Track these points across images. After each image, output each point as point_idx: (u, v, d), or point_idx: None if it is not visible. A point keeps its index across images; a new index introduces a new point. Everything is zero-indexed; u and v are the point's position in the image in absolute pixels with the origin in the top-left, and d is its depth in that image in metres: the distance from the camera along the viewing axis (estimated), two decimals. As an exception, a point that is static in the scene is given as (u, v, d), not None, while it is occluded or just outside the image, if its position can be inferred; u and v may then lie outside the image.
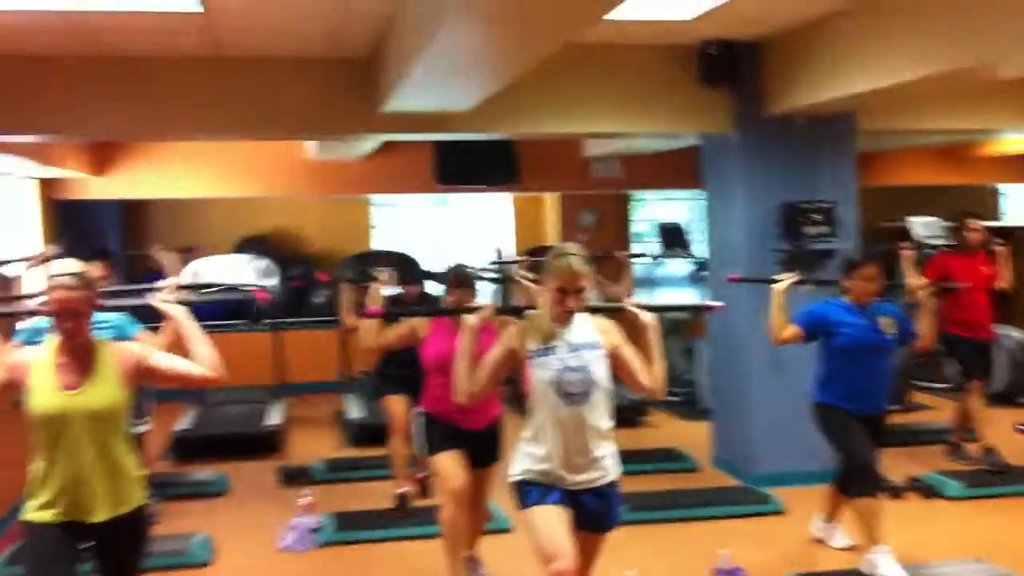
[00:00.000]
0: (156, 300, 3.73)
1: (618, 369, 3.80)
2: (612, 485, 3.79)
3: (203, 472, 7.59)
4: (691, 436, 8.51)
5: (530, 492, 3.70)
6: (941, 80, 5.38)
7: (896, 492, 6.67)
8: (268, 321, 10.63)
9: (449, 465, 4.85)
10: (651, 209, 13.80)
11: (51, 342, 3.46)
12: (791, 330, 5.41)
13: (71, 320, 3.34)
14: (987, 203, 13.34)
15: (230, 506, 6.99)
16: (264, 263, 10.92)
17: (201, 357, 3.54)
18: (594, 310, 3.90)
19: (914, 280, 6.15)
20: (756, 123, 7.07)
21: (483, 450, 4.97)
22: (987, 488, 6.81)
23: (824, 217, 7.01)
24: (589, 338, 3.71)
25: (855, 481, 5.27)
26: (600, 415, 3.72)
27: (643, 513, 6.23)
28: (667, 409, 9.72)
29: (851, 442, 5.29)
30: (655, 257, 11.45)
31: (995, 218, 13.10)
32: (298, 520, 6.09)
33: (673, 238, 12.22)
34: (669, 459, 7.80)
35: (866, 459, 5.25)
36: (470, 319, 3.95)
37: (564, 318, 3.68)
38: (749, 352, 7.16)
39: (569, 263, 3.63)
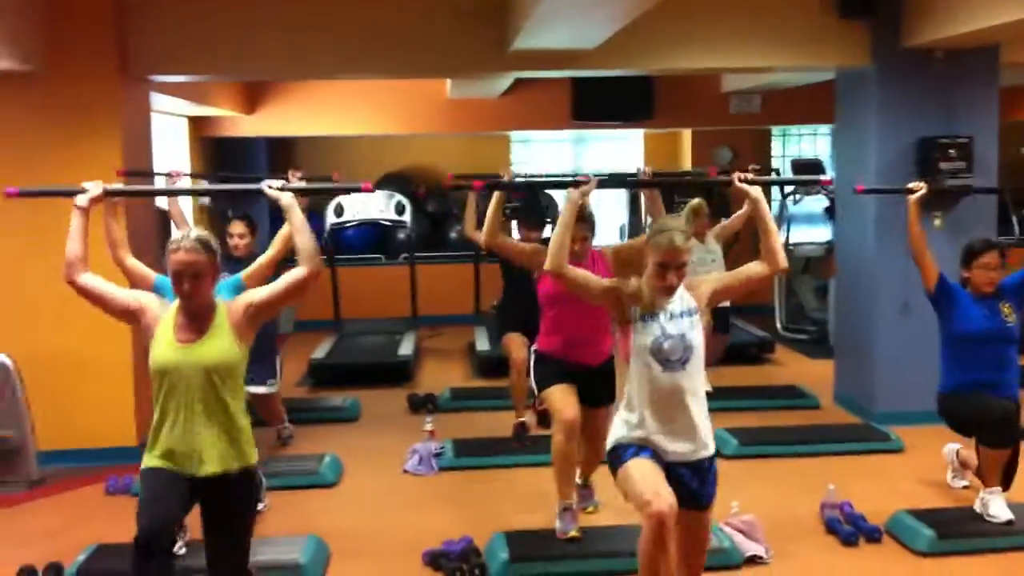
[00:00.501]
0: (266, 187, 3.76)
1: (733, 292, 3.85)
2: (711, 460, 3.75)
3: (337, 398, 7.96)
4: (816, 374, 8.45)
5: (625, 450, 3.68)
6: None
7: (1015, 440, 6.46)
8: (405, 255, 10.96)
9: (560, 397, 4.95)
10: (790, 145, 13.51)
11: (175, 303, 3.54)
12: (931, 258, 5.16)
13: (189, 282, 3.43)
14: None
15: (360, 431, 7.34)
16: (400, 199, 11.22)
17: (301, 249, 3.56)
18: (704, 184, 3.83)
19: None
20: (894, 56, 6.91)
21: (597, 387, 5.02)
22: None
23: (960, 152, 6.84)
24: (685, 304, 3.71)
25: (989, 432, 5.10)
26: (697, 382, 3.71)
27: (760, 447, 6.27)
28: (794, 347, 9.64)
29: (984, 404, 5.08)
30: (787, 194, 11.24)
31: None
32: (421, 445, 6.37)
33: (808, 173, 11.93)
34: (791, 396, 7.79)
35: (1005, 411, 5.04)
36: (574, 193, 3.99)
37: (665, 292, 3.67)
38: (877, 292, 7.10)
39: (671, 239, 3.61)
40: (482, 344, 9.26)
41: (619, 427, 3.76)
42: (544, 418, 6.75)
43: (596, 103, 10.57)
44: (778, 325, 10.51)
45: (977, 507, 5.14)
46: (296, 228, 3.62)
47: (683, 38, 6.85)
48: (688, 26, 6.79)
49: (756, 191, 3.91)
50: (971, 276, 5.12)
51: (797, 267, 10.33)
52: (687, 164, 12.65)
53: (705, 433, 3.71)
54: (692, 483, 3.67)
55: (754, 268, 3.83)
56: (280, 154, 12.42)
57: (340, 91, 10.34)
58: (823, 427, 6.95)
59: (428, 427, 6.49)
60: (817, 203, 10.89)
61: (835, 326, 8.30)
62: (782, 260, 3.81)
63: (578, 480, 5.22)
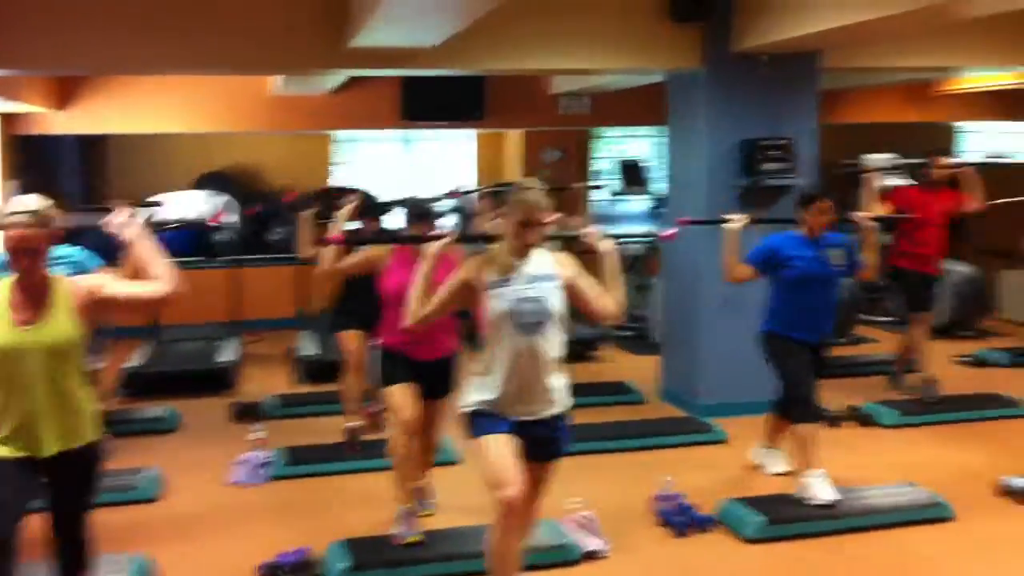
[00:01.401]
0: (112, 222, 3.62)
1: (576, 300, 3.88)
2: (561, 417, 3.90)
3: (155, 408, 7.58)
4: (641, 370, 8.60)
5: (481, 422, 3.80)
6: (908, 17, 5.36)
7: (834, 421, 6.91)
8: (225, 258, 10.58)
9: (401, 397, 4.91)
10: (614, 146, 13.78)
11: (6, 279, 3.41)
12: (744, 269, 5.53)
13: (27, 258, 3.31)
14: (944, 140, 13.44)
15: (181, 442, 7.01)
16: (223, 199, 10.84)
17: (159, 276, 3.47)
18: (553, 239, 3.98)
19: (865, 212, 6.30)
20: (723, 60, 7.07)
21: (436, 382, 5.03)
22: (920, 416, 7.04)
23: (782, 154, 7.07)
24: (546, 270, 3.78)
25: (795, 409, 5.45)
26: (552, 346, 3.80)
27: (589, 443, 6.31)
28: (618, 344, 9.80)
29: (794, 371, 5.44)
30: (614, 193, 11.47)
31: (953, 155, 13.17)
32: (248, 455, 6.13)
33: (633, 175, 12.23)
34: (618, 392, 7.90)
35: (807, 389, 5.42)
36: (431, 246, 3.99)
37: (523, 251, 3.76)
38: (701, 287, 7.26)
39: (529, 197, 3.72)
40: (307, 349, 9.03)
41: (475, 391, 3.85)
42: (378, 422, 6.62)
43: (427, 102, 10.42)
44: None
45: (799, 492, 5.31)
46: (152, 260, 3.50)
47: (519, 39, 6.80)
48: (523, 27, 6.74)
49: (607, 245, 3.95)
50: (806, 218, 5.44)
51: (622, 265, 10.51)
52: (516, 165, 12.70)
53: (560, 395, 3.86)
54: (545, 437, 3.85)
55: (598, 302, 3.88)
56: (95, 154, 11.81)
57: (158, 87, 9.83)
58: (650, 421, 7.07)
59: (257, 435, 6.23)
60: (641, 203, 11.14)
61: (661, 323, 8.46)
62: (614, 313, 3.89)
63: (413, 483, 5.15)
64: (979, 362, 8.78)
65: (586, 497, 5.15)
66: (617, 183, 12.38)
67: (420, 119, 10.59)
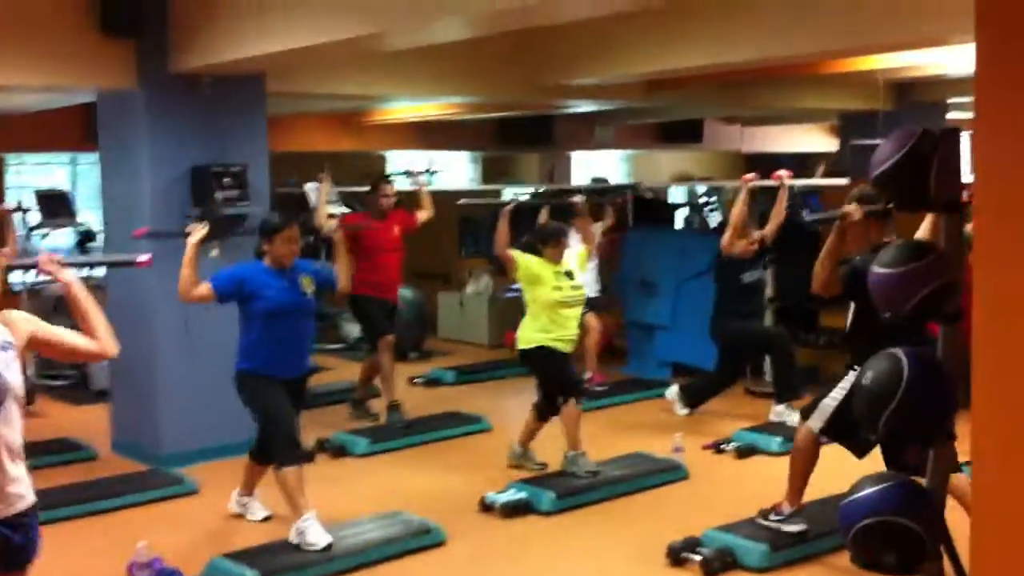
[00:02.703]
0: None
1: (50, 350, 3.29)
2: (33, 509, 3.15)
3: None
4: (86, 423, 7.78)
5: None
6: (339, 46, 5.48)
7: (308, 456, 6.65)
8: None
9: None
10: (25, 175, 12.47)
11: None
12: (204, 288, 5.13)
13: None
14: (376, 167, 14.03)
15: None
16: None
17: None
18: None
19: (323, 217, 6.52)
20: (162, 80, 6.57)
21: None
22: (392, 442, 7.10)
23: (236, 181, 6.74)
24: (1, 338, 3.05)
25: (280, 451, 5.15)
26: (14, 428, 3.08)
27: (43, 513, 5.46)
28: (52, 395, 8.80)
29: (275, 411, 5.18)
30: (34, 227, 10.28)
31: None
32: None
33: (55, 206, 11.07)
34: (63, 449, 7.00)
35: (290, 429, 5.18)
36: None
37: None
38: (156, 321, 6.69)
39: None
40: None
41: None
42: None
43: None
44: (29, 371, 9.49)
45: (293, 538, 5.04)
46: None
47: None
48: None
49: (69, 274, 3.33)
50: (271, 248, 5.19)
51: (47, 307, 9.44)
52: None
53: (25, 485, 3.14)
54: (17, 540, 3.08)
55: (77, 342, 3.27)
56: None
57: None
58: (109, 480, 6.33)
59: None
60: (66, 236, 10.13)
61: (106, 367, 7.68)
62: (110, 346, 3.31)
63: None
64: (432, 382, 9.14)
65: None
66: (35, 215, 11.15)
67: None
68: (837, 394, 4.71)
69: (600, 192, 9.06)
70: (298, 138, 11.66)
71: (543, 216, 7.96)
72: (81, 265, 3.95)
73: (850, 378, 4.65)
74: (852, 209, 4.36)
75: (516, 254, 6.17)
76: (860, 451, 4.75)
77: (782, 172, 7.62)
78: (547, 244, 6.23)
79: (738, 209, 7.30)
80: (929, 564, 2.51)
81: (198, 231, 5.20)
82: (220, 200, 6.67)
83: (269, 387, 5.17)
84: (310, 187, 10.50)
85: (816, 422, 4.79)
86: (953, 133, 2.51)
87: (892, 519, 2.44)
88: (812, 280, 4.51)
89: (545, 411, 6.25)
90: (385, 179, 7.90)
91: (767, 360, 8.14)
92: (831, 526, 4.95)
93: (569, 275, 6.24)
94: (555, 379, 6.18)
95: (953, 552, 2.51)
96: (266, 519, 5.62)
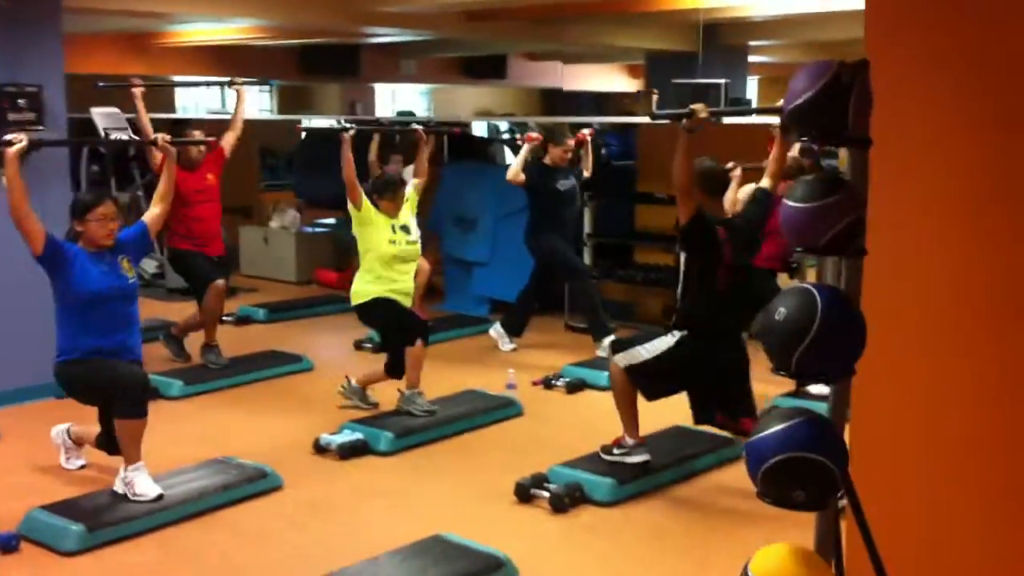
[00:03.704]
0: None
1: None
2: None
3: None
4: None
5: None
6: None
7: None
8: None
9: None
10: None
11: None
12: (38, 223, 4.58)
13: None
14: (167, 92, 13.27)
15: None
16: None
17: None
18: None
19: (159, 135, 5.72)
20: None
21: None
22: (210, 383, 6.75)
23: (30, 103, 6.16)
24: None
25: (125, 403, 4.70)
26: None
27: None
28: None
29: (115, 372, 4.73)
30: None
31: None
32: None
33: None
34: None
35: (136, 379, 4.76)
36: None
37: None
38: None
39: None
40: None
41: None
42: None
43: None
44: None
45: (118, 488, 4.70)
46: None
47: None
48: None
49: None
50: (86, 229, 4.71)
51: None
52: None
53: None
54: None
55: None
56: None
57: None
58: None
59: None
60: None
61: None
62: None
63: None
64: (242, 319, 8.75)
65: None
66: None
67: None
68: (653, 347, 4.86)
69: (427, 124, 8.81)
70: (90, 60, 10.86)
71: (373, 147, 7.73)
72: None
73: (667, 341, 4.83)
74: (699, 107, 4.45)
75: (362, 190, 5.92)
76: (650, 396, 4.95)
77: (585, 131, 7.74)
78: (383, 196, 6.00)
79: (519, 160, 7.48)
80: (835, 499, 2.54)
81: (18, 142, 4.66)
82: (13, 122, 6.09)
83: (100, 366, 4.73)
84: (98, 112, 9.84)
85: (623, 360, 4.90)
86: (866, 66, 2.50)
87: (802, 454, 2.44)
88: (675, 181, 4.58)
89: (396, 370, 6.00)
90: (185, 123, 7.36)
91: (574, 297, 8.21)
92: (671, 457, 5.18)
93: (405, 229, 6.04)
94: (398, 324, 5.97)
95: (851, 485, 2.55)
96: (82, 467, 5.25)
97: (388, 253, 5.93)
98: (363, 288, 5.99)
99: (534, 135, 7.65)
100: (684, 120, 4.50)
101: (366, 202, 5.94)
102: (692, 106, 4.52)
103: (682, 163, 4.55)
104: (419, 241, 6.18)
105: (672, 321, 4.92)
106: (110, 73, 11.20)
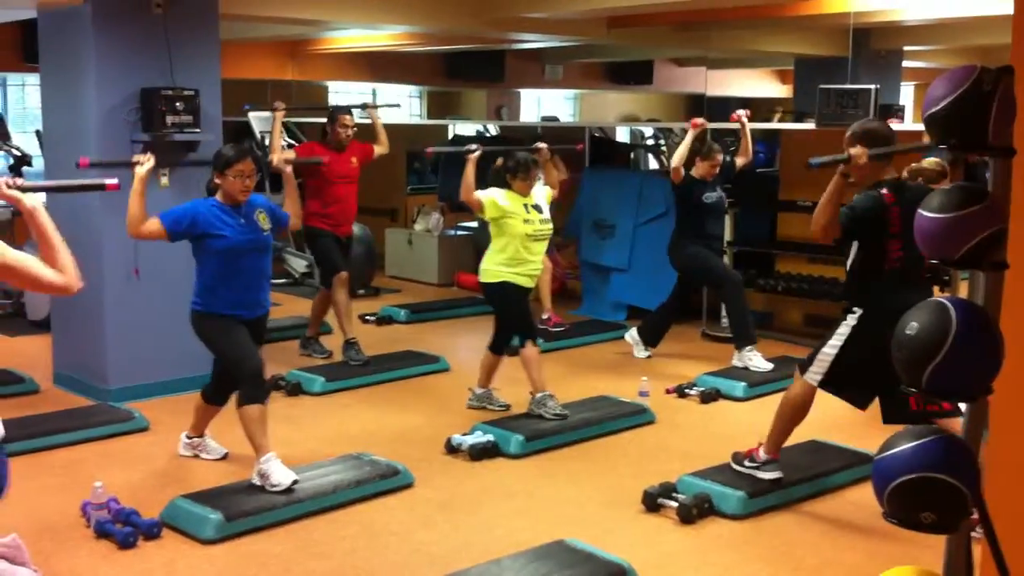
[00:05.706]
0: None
1: (11, 277, 3.07)
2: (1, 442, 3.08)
3: None
4: (24, 354, 7.47)
5: None
6: None
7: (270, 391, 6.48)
8: None
9: None
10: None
11: None
12: (154, 224, 4.86)
13: None
14: (317, 98, 13.66)
15: None
16: None
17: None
18: None
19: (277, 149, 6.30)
20: (111, -3, 6.21)
21: None
22: (349, 380, 6.90)
23: (186, 106, 6.41)
24: None
25: (245, 389, 4.93)
26: None
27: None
28: (-11, 326, 8.46)
29: (239, 351, 4.97)
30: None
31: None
32: None
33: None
34: (4, 382, 6.68)
35: (256, 366, 4.96)
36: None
37: None
38: (104, 254, 6.36)
39: None
40: None
41: None
42: None
43: None
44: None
45: (255, 480, 4.86)
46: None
47: None
48: None
49: (33, 200, 3.16)
50: (224, 183, 4.93)
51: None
52: None
53: None
54: None
55: (42, 273, 3.09)
56: None
57: None
58: (55, 415, 6.04)
59: None
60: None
61: (51, 298, 7.35)
62: (75, 281, 3.14)
63: None
64: (384, 319, 8.94)
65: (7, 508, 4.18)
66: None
67: None
68: (836, 341, 4.58)
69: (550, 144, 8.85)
70: (243, 65, 11.27)
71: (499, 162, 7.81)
72: (43, 190, 3.68)
73: (849, 323, 4.55)
74: (858, 152, 4.25)
75: (481, 195, 5.98)
76: (862, 403, 4.69)
77: (740, 111, 7.56)
78: (516, 176, 6.03)
79: (682, 151, 7.22)
80: (967, 521, 2.43)
81: (146, 162, 4.92)
82: (169, 125, 6.36)
83: (229, 327, 4.96)
84: (255, 116, 10.20)
85: (815, 376, 4.64)
86: (1010, 72, 2.38)
87: (931, 475, 2.35)
88: (812, 225, 4.39)
89: (500, 347, 6.12)
90: (342, 109, 7.57)
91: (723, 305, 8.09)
92: (805, 473, 5.04)
93: (538, 208, 6.07)
94: (515, 318, 6.04)
95: (984, 509, 2.43)
96: (224, 457, 5.44)
97: (522, 232, 5.95)
98: (494, 268, 6.03)
99: (699, 120, 7.54)
100: (842, 165, 4.30)
101: (489, 201, 5.94)
102: (851, 150, 4.32)
103: (825, 208, 4.31)
104: (551, 221, 6.18)
105: (846, 304, 4.61)
106: (263, 78, 11.65)
